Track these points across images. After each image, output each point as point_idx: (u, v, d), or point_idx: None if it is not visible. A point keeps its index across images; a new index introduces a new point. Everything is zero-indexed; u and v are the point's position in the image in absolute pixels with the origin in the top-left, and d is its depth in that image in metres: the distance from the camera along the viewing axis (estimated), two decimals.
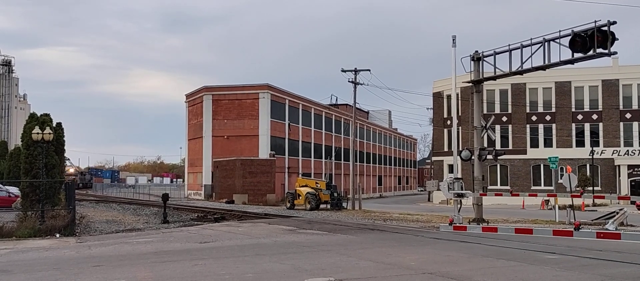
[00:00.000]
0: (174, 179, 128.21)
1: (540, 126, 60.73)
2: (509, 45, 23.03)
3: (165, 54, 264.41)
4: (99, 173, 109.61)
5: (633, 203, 42.50)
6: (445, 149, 64.72)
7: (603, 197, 31.57)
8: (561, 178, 30.64)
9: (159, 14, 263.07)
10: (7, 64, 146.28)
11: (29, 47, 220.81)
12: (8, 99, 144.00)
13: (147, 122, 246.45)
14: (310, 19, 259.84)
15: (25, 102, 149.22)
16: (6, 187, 35.59)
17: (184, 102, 69.69)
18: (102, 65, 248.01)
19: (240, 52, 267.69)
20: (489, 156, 25.94)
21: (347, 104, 76.36)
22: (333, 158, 74.11)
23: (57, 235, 21.30)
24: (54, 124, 27.98)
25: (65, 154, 34.61)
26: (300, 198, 39.90)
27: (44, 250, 17.05)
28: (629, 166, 56.94)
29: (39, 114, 27.18)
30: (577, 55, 20.37)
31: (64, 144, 31.46)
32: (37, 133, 24.08)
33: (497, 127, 59.40)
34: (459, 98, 55.83)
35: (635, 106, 58.12)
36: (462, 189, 23.47)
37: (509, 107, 61.35)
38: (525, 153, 60.46)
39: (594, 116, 59.24)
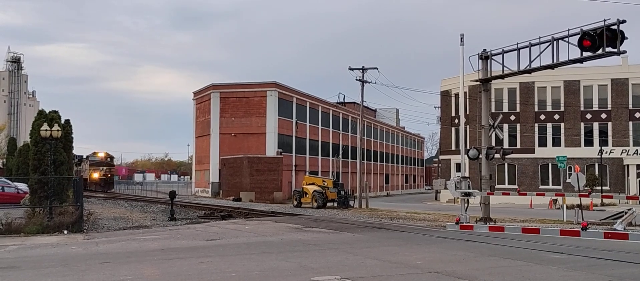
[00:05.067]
0: (182, 177, 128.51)
1: (549, 125, 60.46)
2: (517, 43, 22.92)
3: (174, 51, 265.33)
4: None
5: None
6: (453, 147, 64.57)
7: (611, 197, 31.31)
8: (569, 178, 30.51)
9: (170, 10, 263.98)
10: (16, 61, 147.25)
11: (39, 43, 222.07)
12: (17, 96, 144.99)
13: (156, 120, 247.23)
14: (319, 17, 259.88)
15: (34, 99, 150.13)
16: (15, 183, 35.84)
17: (192, 100, 69.88)
18: (112, 62, 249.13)
19: (249, 49, 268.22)
20: (497, 155, 25.83)
21: (354, 102, 76.30)
22: (340, 156, 74.11)
23: (65, 232, 21.43)
24: (63, 121, 28.09)
25: (74, 151, 34.75)
26: (307, 196, 39.91)
27: (52, 247, 17.16)
28: (638, 166, 56.59)
29: (47, 111, 27.31)
30: (586, 54, 20.24)
31: (72, 141, 31.57)
32: (46, 130, 24.20)
33: (505, 126, 59.20)
34: (467, 97, 55.64)
35: None
36: (469, 188, 23.41)
37: (517, 106, 61.11)
38: (533, 152, 60.22)
39: (603, 115, 58.92)
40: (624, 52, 19.79)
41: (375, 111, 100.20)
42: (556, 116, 60.25)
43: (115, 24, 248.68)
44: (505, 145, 55.16)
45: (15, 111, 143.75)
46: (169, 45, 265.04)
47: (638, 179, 56.30)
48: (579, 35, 19.98)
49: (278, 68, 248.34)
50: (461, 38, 25.09)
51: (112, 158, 77.39)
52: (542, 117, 60.77)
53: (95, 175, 71.22)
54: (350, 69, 44.71)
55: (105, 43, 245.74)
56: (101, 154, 74.36)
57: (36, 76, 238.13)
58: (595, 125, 59.03)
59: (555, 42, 21.34)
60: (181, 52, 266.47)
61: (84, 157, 74.48)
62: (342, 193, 40.24)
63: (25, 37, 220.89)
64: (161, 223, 27.65)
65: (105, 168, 72.62)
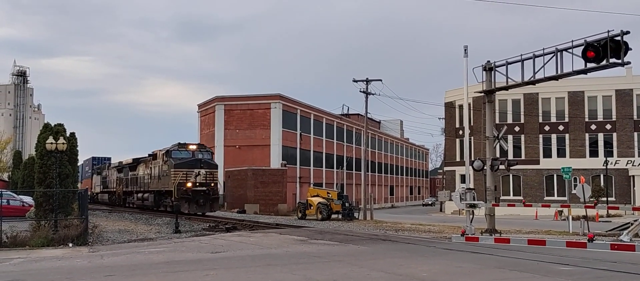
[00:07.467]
0: None
1: (553, 136, 60.34)
2: (521, 55, 22.93)
3: (180, 63, 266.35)
4: None
5: None
6: (457, 159, 64.45)
7: (617, 208, 31.06)
8: (575, 189, 30.41)
9: (175, 23, 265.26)
10: (22, 74, 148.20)
11: (45, 56, 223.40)
12: (22, 110, 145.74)
13: (161, 132, 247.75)
14: (323, 29, 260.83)
15: (39, 112, 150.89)
16: (20, 196, 35.92)
17: (196, 112, 70.05)
18: (118, 74, 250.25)
19: (254, 61, 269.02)
20: (502, 166, 25.77)
21: (358, 114, 76.37)
22: (345, 167, 74.04)
23: (70, 245, 21.42)
24: (68, 134, 28.20)
25: (79, 164, 34.79)
26: (312, 208, 39.88)
27: (57, 260, 17.16)
28: None
29: (53, 124, 27.42)
30: (590, 65, 20.25)
31: (77, 153, 31.65)
32: (51, 143, 24.27)
33: (510, 137, 59.08)
34: (471, 108, 55.63)
35: None
36: (474, 200, 23.33)
37: (522, 117, 61.04)
38: (538, 163, 60.06)
39: (608, 126, 58.78)
40: (628, 63, 19.77)
41: (379, 122, 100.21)
42: (561, 127, 60.14)
43: (120, 36, 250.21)
44: (510, 156, 55.00)
45: (21, 124, 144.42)
46: (175, 57, 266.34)
47: None
48: (582, 47, 20.01)
49: (282, 79, 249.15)
50: (465, 50, 25.12)
51: (211, 153, 44.93)
52: (547, 128, 60.66)
53: (189, 183, 38.87)
54: (354, 80, 44.87)
55: (110, 56, 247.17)
56: (193, 146, 41.60)
57: (42, 89, 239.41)
58: (600, 136, 58.89)
59: (559, 53, 21.36)
60: (186, 64, 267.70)
61: (163, 152, 42.02)
62: (347, 204, 40.20)
63: (31, 50, 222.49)
64: (166, 235, 27.60)
65: (204, 170, 39.45)
